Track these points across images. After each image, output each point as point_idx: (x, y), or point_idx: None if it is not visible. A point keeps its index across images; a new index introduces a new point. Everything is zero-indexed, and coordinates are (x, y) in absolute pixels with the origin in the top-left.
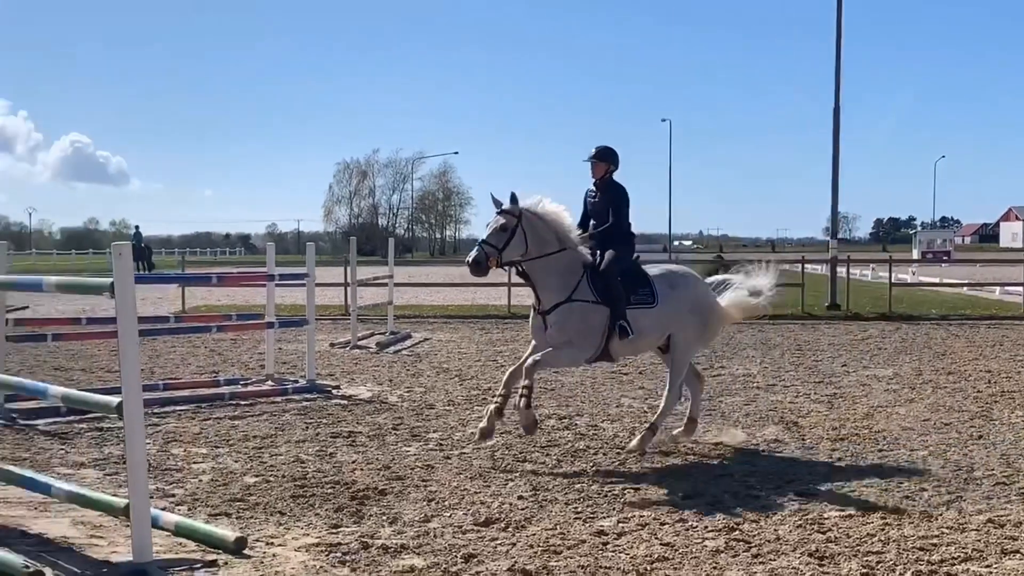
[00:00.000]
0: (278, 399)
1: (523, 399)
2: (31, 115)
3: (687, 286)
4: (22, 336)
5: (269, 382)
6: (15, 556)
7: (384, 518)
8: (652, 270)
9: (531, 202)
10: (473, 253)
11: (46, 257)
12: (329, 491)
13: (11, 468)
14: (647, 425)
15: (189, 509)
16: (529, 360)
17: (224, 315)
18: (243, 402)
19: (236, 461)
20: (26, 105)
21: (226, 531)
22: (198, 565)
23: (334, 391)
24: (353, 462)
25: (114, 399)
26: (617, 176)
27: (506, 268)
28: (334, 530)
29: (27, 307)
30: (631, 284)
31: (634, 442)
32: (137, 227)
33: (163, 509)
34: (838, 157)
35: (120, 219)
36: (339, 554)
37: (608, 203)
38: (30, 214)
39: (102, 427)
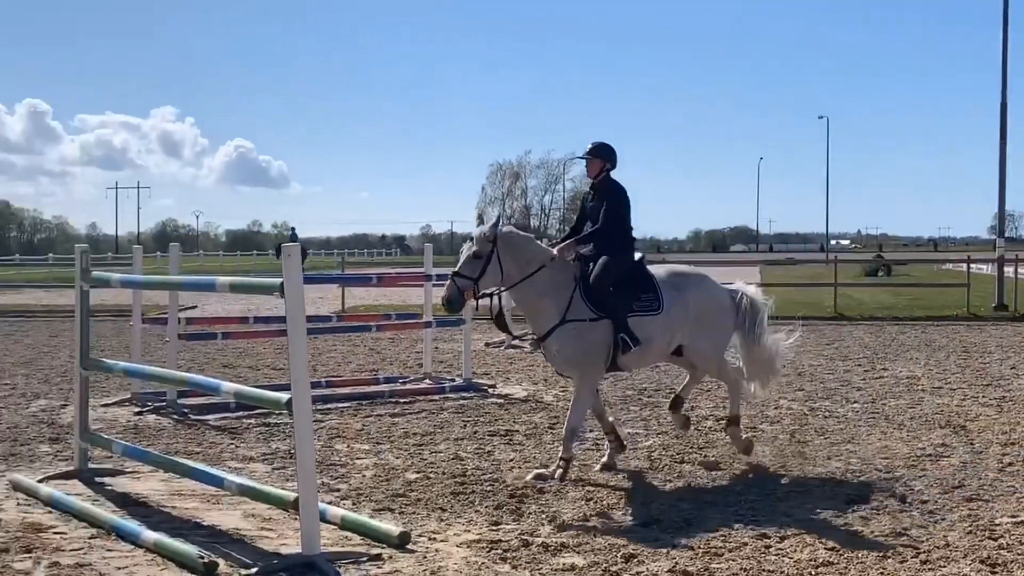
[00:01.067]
0: (436, 397)
1: (559, 471)
2: (197, 122)
3: (694, 286)
4: (194, 334)
5: (427, 380)
6: (190, 546)
7: (543, 516)
8: (656, 271)
9: (503, 225)
10: (445, 290)
11: (213, 258)
12: (488, 488)
13: (186, 461)
14: (726, 421)
15: (354, 504)
16: (564, 434)
17: (383, 315)
18: (402, 400)
19: (397, 457)
20: (193, 112)
21: (390, 526)
22: (364, 558)
23: (490, 390)
24: (511, 460)
25: (284, 396)
26: (619, 176)
27: (482, 298)
28: (494, 527)
29: (196, 306)
30: (633, 290)
31: (738, 442)
32: (293, 229)
33: (329, 503)
34: (1005, 153)
35: (282, 221)
36: (500, 551)
37: (602, 204)
38: (197, 217)
39: (269, 423)
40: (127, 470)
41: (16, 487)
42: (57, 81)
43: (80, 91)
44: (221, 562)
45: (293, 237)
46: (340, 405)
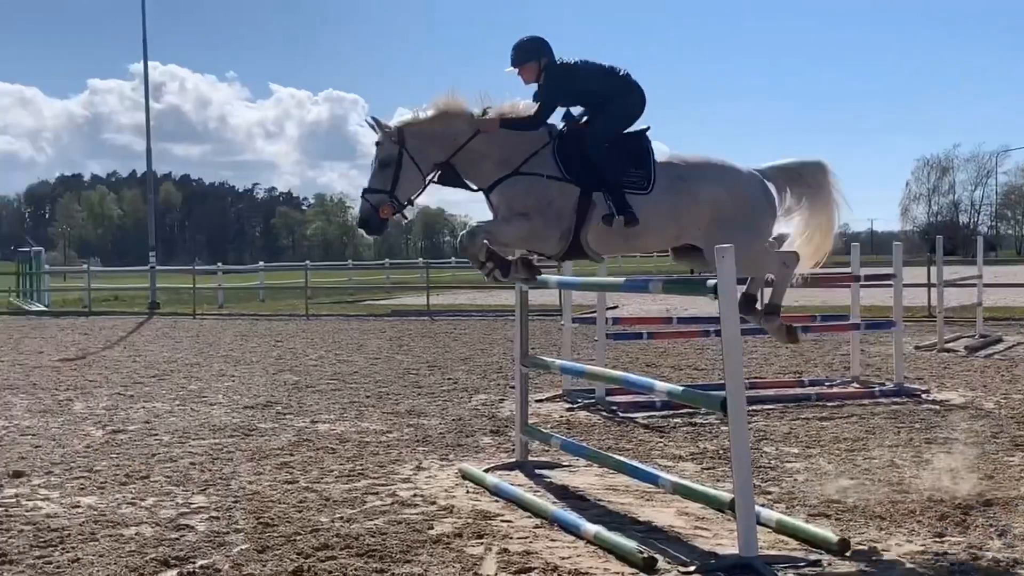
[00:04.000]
0: (865, 401)
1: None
2: None
3: (711, 179)
4: (619, 334)
5: (855, 384)
6: (630, 541)
7: (992, 530)
8: (666, 155)
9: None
10: (358, 211)
11: (627, 260)
12: (929, 498)
13: (621, 458)
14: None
15: (787, 507)
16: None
17: (809, 315)
18: (829, 403)
19: (829, 462)
20: None
21: (828, 532)
22: (802, 563)
23: (923, 395)
24: (951, 469)
25: (718, 396)
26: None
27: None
28: (938, 539)
29: (617, 306)
30: (622, 162)
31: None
32: None
33: (762, 506)
34: None
35: None
36: (947, 563)
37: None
38: None
39: (695, 422)
40: (563, 463)
41: (464, 476)
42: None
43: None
44: (660, 558)
45: None
46: (765, 407)
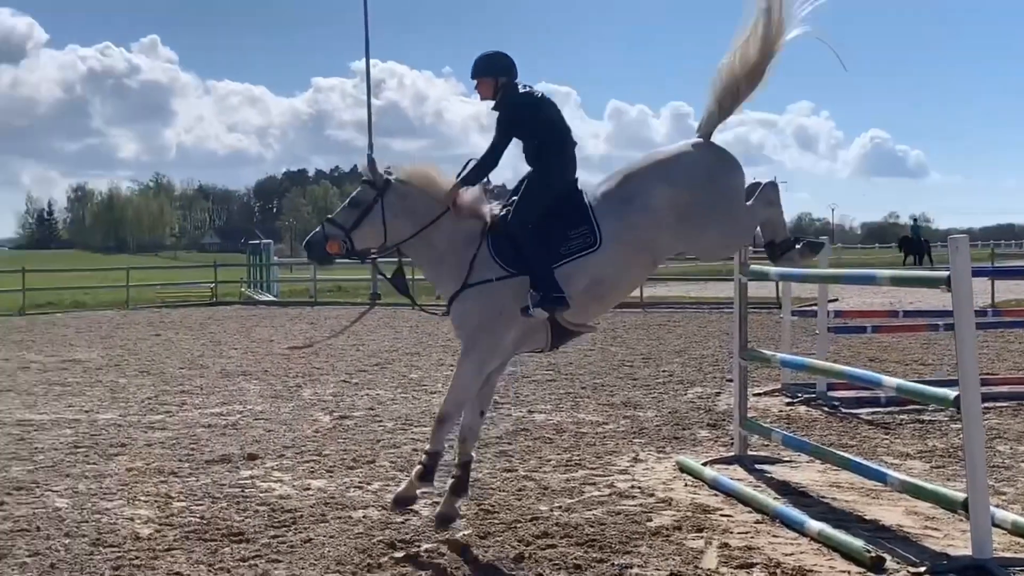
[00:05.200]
0: None
1: (417, 468)
2: (832, 115)
3: (652, 177)
4: (842, 327)
5: None
6: (856, 539)
7: None
8: (598, 190)
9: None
10: (311, 236)
11: (849, 251)
12: None
13: (845, 454)
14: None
15: (1023, 508)
16: (434, 422)
17: None
18: None
19: None
20: (828, 105)
21: None
22: None
23: None
24: None
25: (951, 392)
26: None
27: (367, 260)
28: None
29: (837, 299)
30: (559, 229)
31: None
32: (915, 219)
33: (996, 506)
34: None
35: (920, 212)
36: None
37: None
38: (832, 210)
39: (923, 419)
40: (783, 459)
41: (682, 469)
42: (698, 83)
43: None
44: (887, 557)
45: (915, 228)
46: (998, 404)
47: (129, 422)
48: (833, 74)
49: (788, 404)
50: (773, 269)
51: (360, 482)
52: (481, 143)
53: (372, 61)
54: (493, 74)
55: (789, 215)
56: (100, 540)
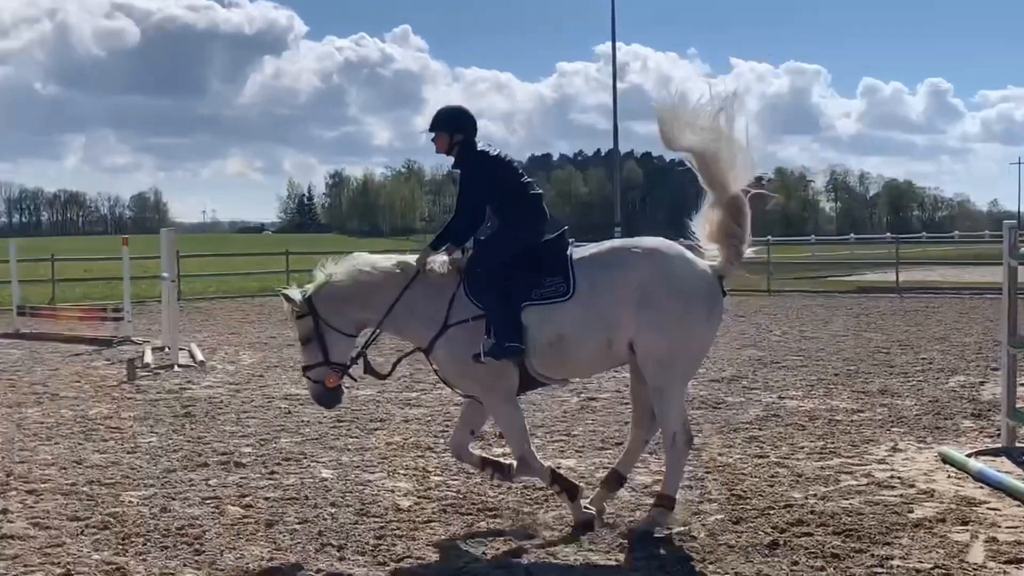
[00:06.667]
0: None
1: (564, 494)
2: None
3: (640, 259)
4: None
5: None
6: None
7: None
8: (586, 250)
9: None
10: (310, 391)
11: None
12: None
13: None
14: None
15: None
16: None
17: None
18: None
19: None
20: None
21: None
22: None
23: None
24: None
25: None
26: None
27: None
28: None
29: None
30: (534, 273)
31: (645, 522)
32: None
33: None
34: None
35: None
36: None
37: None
38: None
39: None
40: None
41: (945, 459)
42: (957, 58)
43: (981, 68)
44: None
45: None
46: None
47: (387, 398)
48: None
49: None
50: None
51: (609, 463)
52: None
53: (616, 44)
54: (449, 130)
55: None
56: (363, 510)
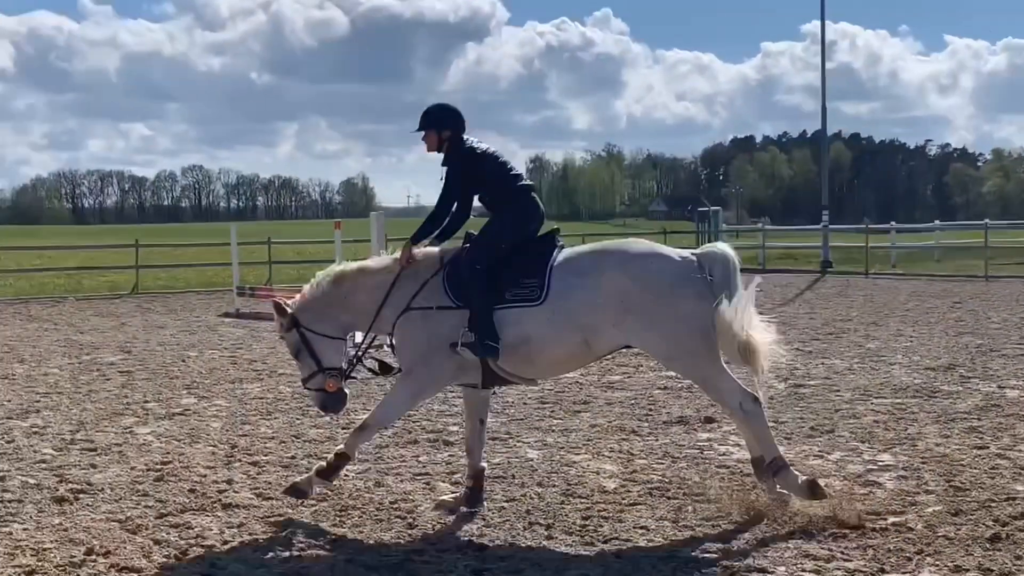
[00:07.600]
0: None
1: (321, 465)
2: None
3: (613, 264)
4: None
5: None
6: None
7: None
8: (567, 252)
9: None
10: (314, 401)
11: None
12: None
13: None
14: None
15: None
16: (358, 426)
17: None
18: None
19: None
20: None
21: None
22: None
23: None
24: None
25: None
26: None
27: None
28: None
29: None
30: (513, 274)
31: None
32: None
33: None
34: None
35: None
36: None
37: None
38: None
39: None
40: None
41: None
42: None
43: None
44: None
45: None
46: None
47: (590, 381)
48: None
49: None
50: None
51: (820, 451)
52: (939, 103)
53: (825, 22)
54: (438, 128)
55: None
56: (570, 491)
